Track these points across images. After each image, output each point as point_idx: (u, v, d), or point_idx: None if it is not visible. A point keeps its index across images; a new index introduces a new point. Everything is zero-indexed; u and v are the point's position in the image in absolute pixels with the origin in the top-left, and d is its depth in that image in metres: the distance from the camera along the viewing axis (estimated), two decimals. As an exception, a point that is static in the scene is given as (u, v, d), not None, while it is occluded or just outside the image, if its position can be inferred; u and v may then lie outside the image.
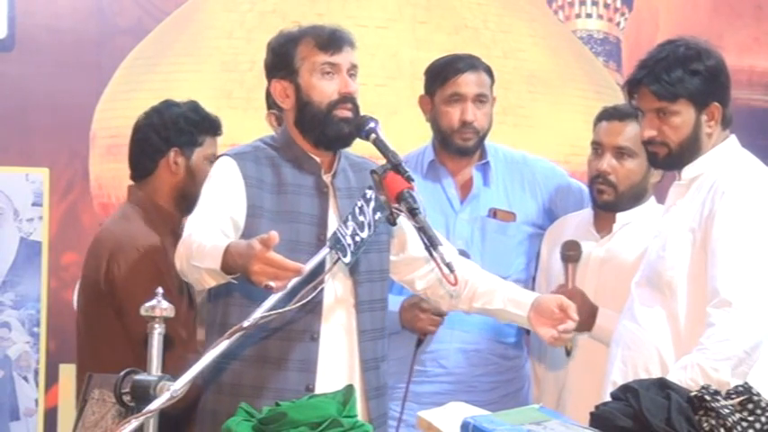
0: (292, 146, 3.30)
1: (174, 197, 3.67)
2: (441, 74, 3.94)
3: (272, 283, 2.79)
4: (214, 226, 3.13)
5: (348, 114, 3.24)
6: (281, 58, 3.29)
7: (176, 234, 3.43)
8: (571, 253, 3.79)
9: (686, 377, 3.09)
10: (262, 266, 2.81)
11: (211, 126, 3.75)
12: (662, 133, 3.36)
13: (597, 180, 3.80)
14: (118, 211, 3.84)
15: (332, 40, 3.26)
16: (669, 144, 3.36)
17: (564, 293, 3.71)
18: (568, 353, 3.76)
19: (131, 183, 3.78)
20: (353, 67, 3.29)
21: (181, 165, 3.68)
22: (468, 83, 3.90)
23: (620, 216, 3.83)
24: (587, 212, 3.93)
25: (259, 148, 3.32)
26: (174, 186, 3.67)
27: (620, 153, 3.76)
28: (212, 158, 3.60)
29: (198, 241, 3.06)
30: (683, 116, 3.34)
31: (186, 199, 3.62)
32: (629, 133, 3.72)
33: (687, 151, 3.36)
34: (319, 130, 3.27)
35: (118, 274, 3.54)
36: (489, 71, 3.98)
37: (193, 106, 3.75)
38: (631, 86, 3.41)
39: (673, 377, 3.05)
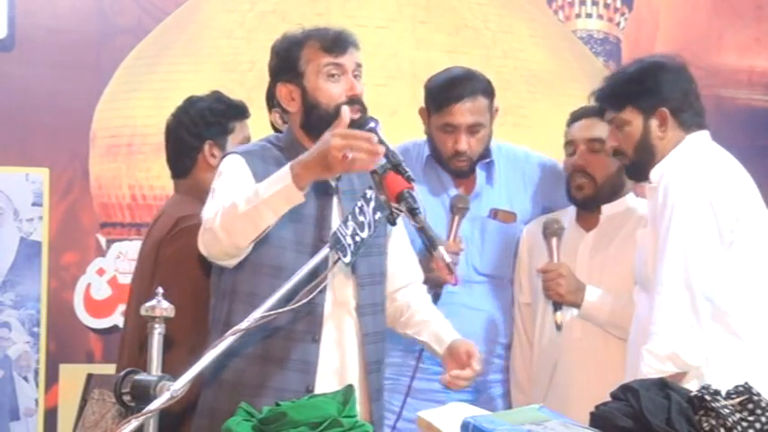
0: (297, 147, 3.29)
1: None
2: (436, 99, 3.87)
3: (349, 154, 2.94)
4: None
5: (356, 116, 3.23)
6: (286, 62, 3.29)
7: None
8: (555, 227, 3.78)
9: (644, 367, 3.17)
10: (338, 139, 2.96)
11: (238, 111, 3.78)
12: (620, 143, 3.52)
13: (575, 176, 3.82)
14: (170, 200, 3.86)
15: (336, 42, 3.26)
16: (626, 152, 3.52)
17: (550, 268, 3.72)
18: (559, 327, 3.74)
19: (175, 179, 3.83)
20: (358, 67, 3.30)
21: (218, 156, 3.70)
22: (461, 113, 3.82)
23: (605, 208, 3.84)
24: (570, 210, 3.93)
25: (266, 147, 3.32)
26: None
27: (594, 146, 3.77)
28: (246, 142, 3.67)
29: (241, 196, 3.05)
30: (633, 124, 3.49)
31: None
32: (601, 127, 3.74)
33: (643, 156, 3.48)
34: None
35: (175, 243, 3.56)
36: (487, 91, 3.89)
37: (217, 96, 3.79)
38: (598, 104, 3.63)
39: (641, 374, 3.11)
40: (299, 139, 3.31)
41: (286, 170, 3.03)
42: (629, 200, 3.86)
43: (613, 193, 3.83)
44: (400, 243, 3.46)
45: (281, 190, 3.01)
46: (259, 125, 4.00)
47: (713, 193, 3.33)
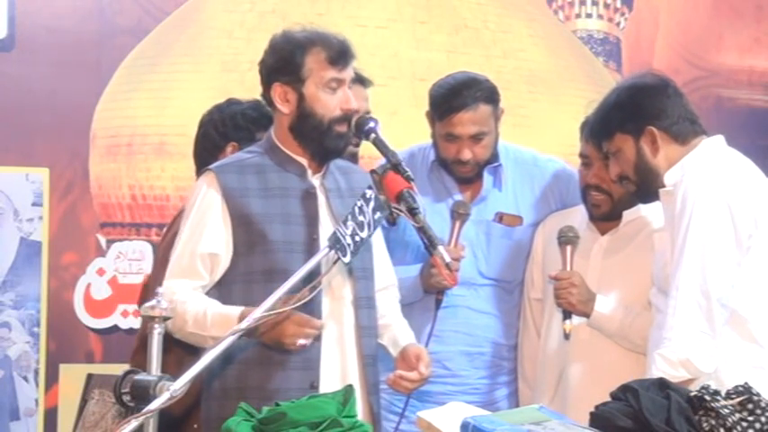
0: (276, 150, 3.32)
1: None
2: (438, 108, 3.84)
3: (304, 341, 3.09)
4: (194, 284, 3.24)
5: (344, 130, 3.29)
6: (287, 64, 3.30)
7: None
8: (570, 235, 3.75)
9: (655, 371, 3.15)
10: (296, 328, 3.08)
11: (270, 123, 3.78)
12: (622, 170, 3.50)
13: (591, 192, 3.79)
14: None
15: (341, 55, 3.29)
16: (629, 177, 3.50)
17: (562, 276, 3.70)
18: (567, 336, 3.73)
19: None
20: (351, 80, 3.34)
21: None
22: (462, 123, 3.79)
23: (626, 213, 3.81)
24: (582, 209, 3.90)
25: (242, 158, 3.35)
26: None
27: (607, 161, 3.73)
28: None
29: (192, 311, 3.17)
30: (625, 149, 3.48)
31: None
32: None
33: (646, 178, 3.47)
34: (318, 141, 3.30)
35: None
36: (491, 98, 3.84)
37: (254, 104, 3.79)
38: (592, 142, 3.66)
39: (651, 377, 3.10)
40: (277, 143, 3.32)
41: (233, 318, 3.08)
42: (643, 206, 3.82)
43: (631, 204, 3.79)
44: (377, 247, 3.47)
45: (226, 332, 3.01)
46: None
47: (732, 198, 3.30)
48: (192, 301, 3.19)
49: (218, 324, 3.12)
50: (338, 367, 3.28)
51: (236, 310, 3.12)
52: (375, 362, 3.36)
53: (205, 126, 3.80)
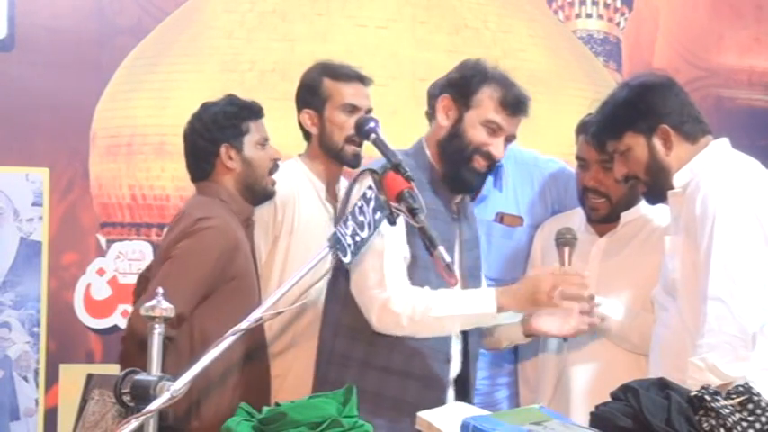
0: (430, 168, 3.40)
1: (239, 190, 3.74)
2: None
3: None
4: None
5: (480, 168, 3.42)
6: (464, 85, 3.41)
7: (249, 223, 3.70)
8: (568, 236, 3.74)
9: (688, 379, 3.12)
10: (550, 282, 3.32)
11: (251, 111, 3.80)
12: (629, 169, 3.48)
13: (589, 195, 3.77)
14: (191, 200, 3.86)
15: (515, 105, 3.40)
16: (639, 176, 3.47)
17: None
18: (565, 339, 3.72)
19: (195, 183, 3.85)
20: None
21: (235, 158, 3.74)
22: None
23: (624, 215, 3.80)
24: (580, 210, 3.89)
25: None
26: (235, 180, 3.74)
27: (606, 165, 3.72)
28: (263, 141, 3.75)
29: (438, 300, 3.30)
30: (636, 149, 3.45)
31: (250, 189, 3.74)
32: (612, 143, 3.69)
33: (659, 177, 3.44)
34: (456, 166, 3.39)
35: (189, 239, 3.59)
36: None
37: (229, 99, 3.82)
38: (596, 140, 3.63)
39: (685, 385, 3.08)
40: (431, 160, 3.43)
41: (491, 299, 3.29)
42: (643, 206, 3.80)
43: (628, 206, 3.78)
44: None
45: (481, 315, 3.33)
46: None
47: (758, 203, 3.29)
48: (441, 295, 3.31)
49: (474, 304, 3.32)
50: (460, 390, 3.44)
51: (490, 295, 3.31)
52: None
53: (191, 138, 3.79)
